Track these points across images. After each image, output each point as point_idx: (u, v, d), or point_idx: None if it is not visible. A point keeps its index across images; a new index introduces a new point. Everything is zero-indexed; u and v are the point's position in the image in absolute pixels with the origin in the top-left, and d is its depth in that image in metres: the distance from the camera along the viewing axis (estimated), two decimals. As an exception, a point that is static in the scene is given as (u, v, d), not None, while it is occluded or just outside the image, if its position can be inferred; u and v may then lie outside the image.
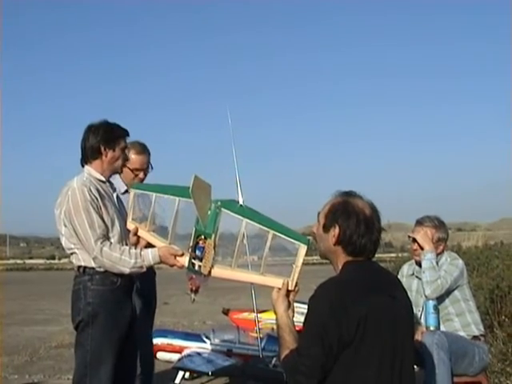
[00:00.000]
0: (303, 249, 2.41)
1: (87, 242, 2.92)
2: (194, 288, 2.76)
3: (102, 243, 2.92)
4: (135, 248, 2.98)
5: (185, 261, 2.79)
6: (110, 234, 3.02)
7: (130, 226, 3.05)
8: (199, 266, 2.68)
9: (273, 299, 2.31)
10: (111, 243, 2.96)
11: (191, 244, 2.69)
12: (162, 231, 2.96)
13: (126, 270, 2.94)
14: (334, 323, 1.99)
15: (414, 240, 3.84)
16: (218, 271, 2.68)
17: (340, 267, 2.21)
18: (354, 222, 2.17)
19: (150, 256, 2.91)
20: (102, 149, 3.09)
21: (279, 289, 2.34)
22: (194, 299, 2.81)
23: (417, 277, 3.89)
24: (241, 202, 2.67)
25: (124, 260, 2.91)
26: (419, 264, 3.80)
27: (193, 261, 2.70)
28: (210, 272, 2.67)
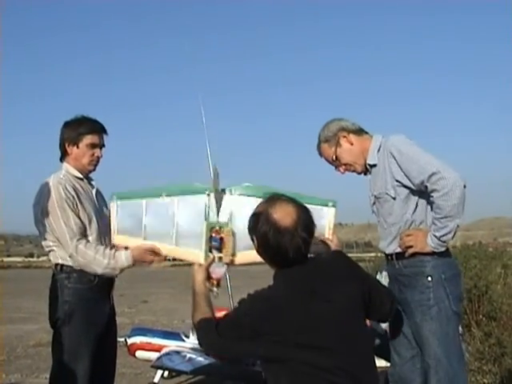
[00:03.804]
0: (332, 210, 2.62)
1: (63, 239, 2.88)
2: (215, 282, 2.67)
3: (77, 241, 2.88)
4: (114, 249, 2.88)
5: (173, 254, 2.74)
6: (88, 232, 2.97)
7: (118, 239, 2.81)
8: (219, 258, 2.64)
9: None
10: (87, 241, 2.92)
11: (205, 238, 2.64)
12: (160, 236, 2.76)
13: (99, 270, 2.88)
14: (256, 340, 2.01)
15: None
16: (242, 257, 2.64)
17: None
18: (268, 234, 2.07)
19: (123, 257, 2.84)
20: (66, 145, 3.05)
21: None
22: (217, 293, 2.70)
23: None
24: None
25: (98, 259, 2.85)
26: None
27: (209, 254, 2.65)
28: (232, 260, 2.65)
